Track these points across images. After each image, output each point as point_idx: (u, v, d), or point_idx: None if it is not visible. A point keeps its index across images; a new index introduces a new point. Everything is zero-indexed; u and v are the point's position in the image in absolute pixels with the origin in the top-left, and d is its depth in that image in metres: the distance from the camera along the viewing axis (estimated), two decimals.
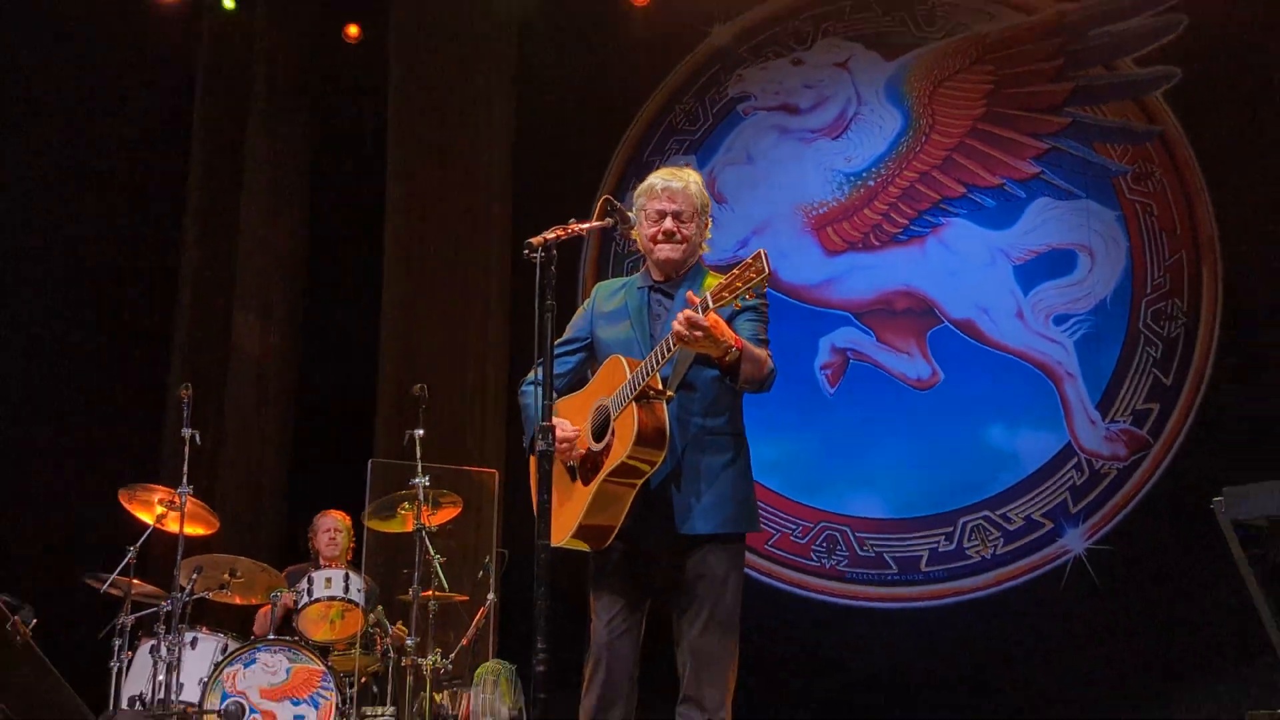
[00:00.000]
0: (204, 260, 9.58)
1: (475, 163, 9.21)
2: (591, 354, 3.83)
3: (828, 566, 8.27)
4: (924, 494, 8.16)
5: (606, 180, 9.15)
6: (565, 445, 3.50)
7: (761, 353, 3.48)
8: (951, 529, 8.07)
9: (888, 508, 8.23)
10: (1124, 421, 7.93)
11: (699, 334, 3.17)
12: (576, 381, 3.85)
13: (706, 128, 9.11)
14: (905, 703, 7.80)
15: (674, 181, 3.69)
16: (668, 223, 3.64)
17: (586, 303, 3.92)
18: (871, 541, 8.20)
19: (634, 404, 3.35)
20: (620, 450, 3.36)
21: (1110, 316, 8.09)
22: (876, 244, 8.57)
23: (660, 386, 3.39)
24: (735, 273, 3.21)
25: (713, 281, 3.47)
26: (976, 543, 8.04)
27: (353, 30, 9.77)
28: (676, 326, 3.20)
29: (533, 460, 3.59)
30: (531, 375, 3.65)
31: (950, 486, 8.12)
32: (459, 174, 9.18)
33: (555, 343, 3.56)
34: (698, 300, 3.20)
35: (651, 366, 3.34)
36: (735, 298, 3.19)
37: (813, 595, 8.22)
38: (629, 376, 3.40)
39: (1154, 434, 7.86)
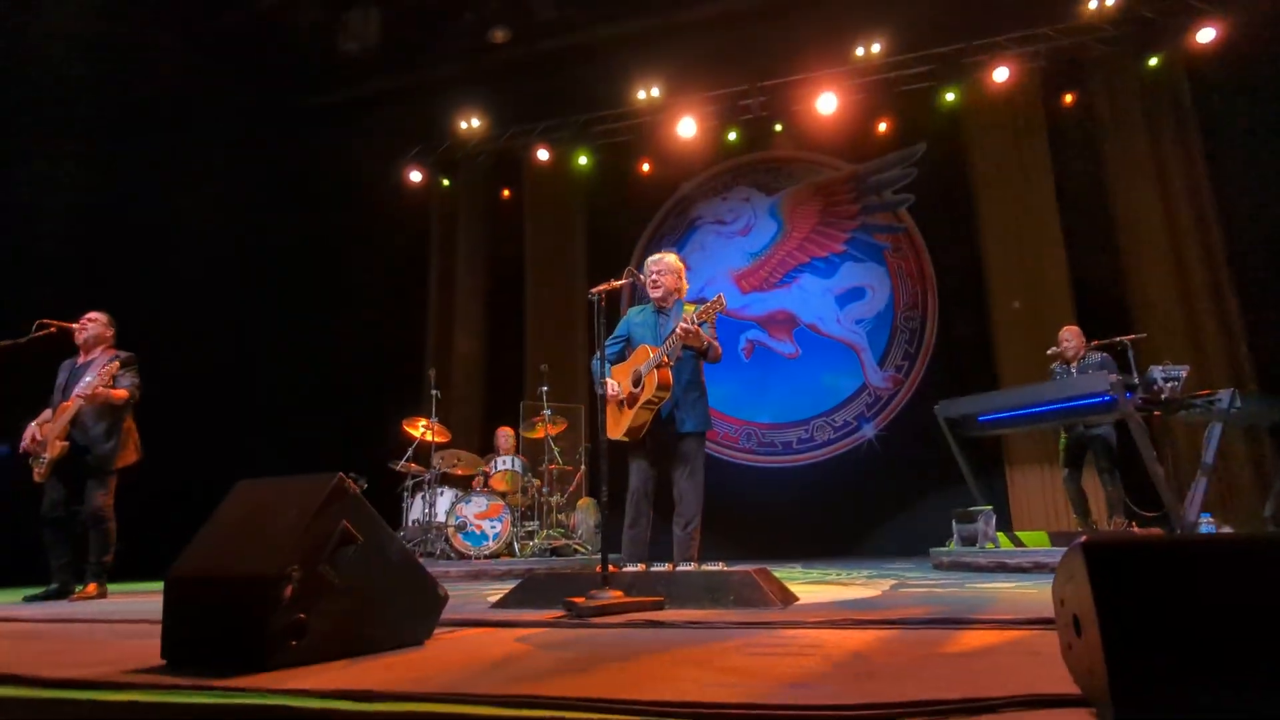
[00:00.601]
0: (440, 307, 9.72)
1: (572, 260, 9.41)
2: (628, 344, 3.87)
3: (745, 447, 8.64)
4: (792, 409, 8.49)
5: (635, 257, 9.29)
6: (615, 395, 3.67)
7: (715, 345, 3.68)
8: (807, 427, 8.43)
9: (773, 417, 8.56)
10: (890, 370, 8.27)
11: (691, 335, 3.45)
12: (617, 357, 3.87)
13: (680, 232, 9.29)
14: (782, 519, 7.93)
15: (658, 260, 3.86)
16: (655, 279, 3.80)
17: (625, 319, 3.95)
18: (766, 434, 8.56)
19: (655, 370, 3.54)
20: (648, 392, 3.53)
21: (883, 319, 8.41)
22: (766, 288, 8.86)
23: (666, 360, 3.55)
24: (709, 304, 3.41)
25: (689, 307, 3.72)
26: (818, 434, 8.40)
27: (505, 193, 9.94)
28: (680, 329, 3.44)
29: (609, 403, 3.74)
30: (597, 355, 3.67)
31: (805, 406, 8.45)
32: (561, 266, 9.44)
33: (607, 339, 3.77)
34: (691, 319, 3.42)
35: (665, 350, 3.53)
36: (707, 317, 3.44)
37: (738, 462, 8.51)
38: (651, 356, 3.57)
39: (905, 375, 8.19)
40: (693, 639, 2.05)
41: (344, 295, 9.52)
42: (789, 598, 3.00)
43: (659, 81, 8.89)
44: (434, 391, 6.84)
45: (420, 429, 6.70)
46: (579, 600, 2.68)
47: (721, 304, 3.42)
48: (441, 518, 6.43)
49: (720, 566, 3.10)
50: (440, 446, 6.82)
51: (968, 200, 8.04)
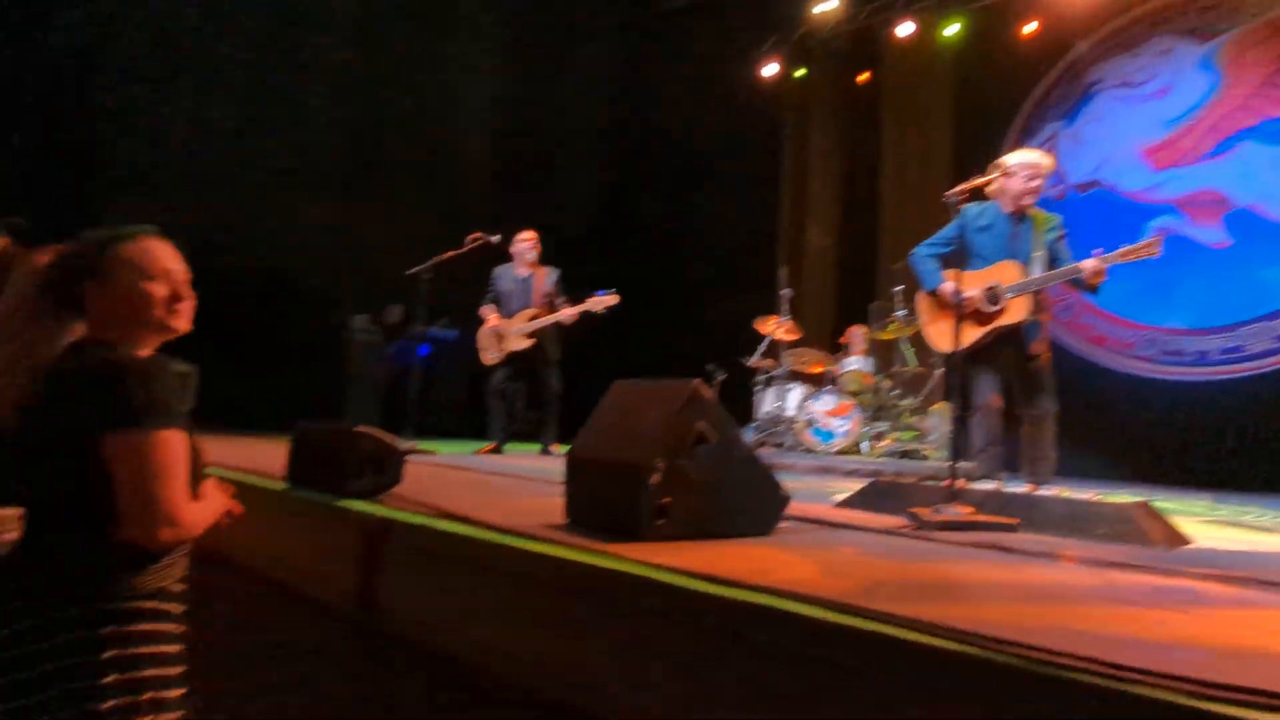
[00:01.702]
0: (792, 205, 9.72)
1: (934, 147, 8.56)
2: (962, 247, 3.45)
3: (1144, 355, 7.33)
4: (1215, 313, 6.95)
5: (1010, 138, 8.20)
6: (965, 299, 3.31)
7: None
8: (1235, 334, 6.85)
9: (1186, 322, 7.11)
10: None
11: (1100, 279, 3.18)
12: (943, 262, 3.61)
13: (1071, 103, 7.92)
14: (1187, 442, 6.71)
15: (1034, 163, 3.46)
16: (1033, 183, 3.42)
17: (957, 219, 3.43)
18: (1174, 341, 7.18)
19: (1029, 295, 3.32)
20: (1012, 317, 3.33)
21: None
22: (1188, 162, 7.18)
23: (1041, 290, 3.33)
24: (1137, 246, 3.15)
25: (1041, 216, 3.35)
26: (1251, 343, 6.80)
27: (862, 77, 9.30)
28: (1093, 267, 3.16)
29: (925, 298, 3.62)
30: (921, 250, 3.60)
31: (1234, 308, 6.86)
32: (921, 154, 8.67)
33: (932, 238, 3.67)
34: (1106, 258, 3.14)
35: (1045, 280, 3.29)
36: (1129, 259, 3.13)
37: (1134, 373, 7.32)
38: (1021, 277, 3.31)
39: None
40: (1046, 573, 1.93)
41: (700, 196, 10.05)
42: (1176, 540, 2.61)
43: None
44: (785, 290, 7.00)
45: (772, 326, 6.92)
46: (924, 512, 2.67)
47: (1155, 252, 3.13)
48: (791, 413, 6.69)
49: (1092, 495, 2.80)
50: (791, 344, 7.04)
51: None
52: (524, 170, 9.58)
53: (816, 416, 6.54)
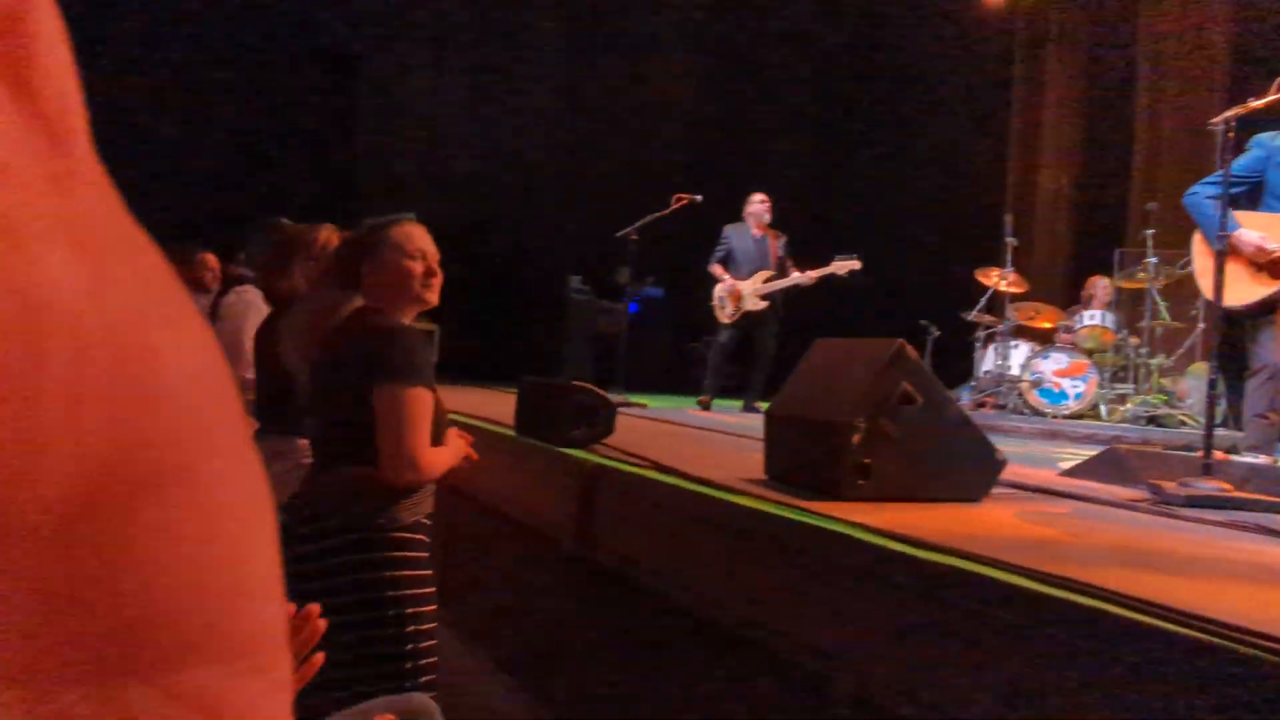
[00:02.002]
0: (1021, 144, 8.85)
1: (1206, 59, 7.30)
2: (1261, 186, 3.04)
3: None
4: None
5: None
6: (1264, 250, 2.93)
7: None
8: None
9: None
10: None
11: None
12: (1243, 200, 3.07)
13: None
14: None
15: None
16: None
17: (1253, 149, 3.05)
18: None
19: None
20: None
21: None
22: None
23: None
24: None
25: None
26: None
27: None
28: None
29: (1203, 244, 3.07)
30: (1201, 190, 3.06)
31: None
32: (1189, 69, 7.39)
33: (1225, 171, 2.87)
34: None
35: None
36: None
37: None
38: None
39: None
40: None
41: (917, 138, 9.39)
42: None
43: None
44: (1010, 239, 6.44)
45: (994, 279, 6.41)
46: (1168, 484, 2.40)
47: None
48: (1016, 372, 6.19)
49: None
50: (1016, 298, 6.47)
51: None
52: (733, 122, 9.57)
53: (1045, 376, 6.01)
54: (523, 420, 2.90)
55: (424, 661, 1.64)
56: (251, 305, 2.98)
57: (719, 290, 5.65)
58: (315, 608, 1.06)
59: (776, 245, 5.61)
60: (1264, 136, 3.09)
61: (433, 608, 1.68)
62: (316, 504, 1.67)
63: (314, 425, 1.84)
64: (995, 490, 2.28)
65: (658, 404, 5.49)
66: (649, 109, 9.18)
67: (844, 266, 5.40)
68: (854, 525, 1.72)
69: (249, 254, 3.17)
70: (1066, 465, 3.24)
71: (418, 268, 1.73)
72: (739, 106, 9.76)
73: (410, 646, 1.62)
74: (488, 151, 8.35)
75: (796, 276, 5.45)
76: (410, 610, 1.63)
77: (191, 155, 7.26)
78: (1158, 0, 7.72)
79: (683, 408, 5.68)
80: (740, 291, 5.50)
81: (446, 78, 8.44)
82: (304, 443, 2.43)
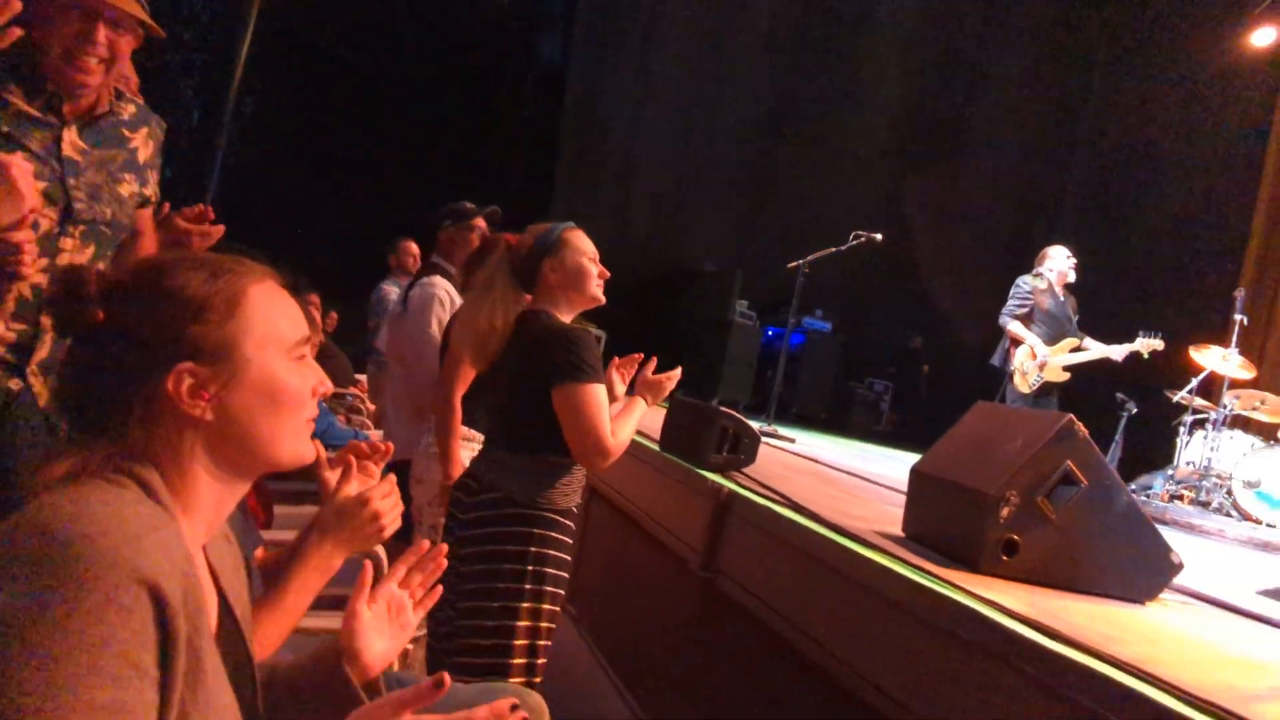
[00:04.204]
0: (1271, 214, 7.82)
1: None
2: None
3: None
4: None
5: None
6: None
7: None
8: None
9: None
10: None
11: None
12: None
13: None
14: None
15: None
16: None
17: None
18: None
19: None
20: None
21: None
22: None
23: None
24: None
25: None
26: None
27: None
28: None
29: None
30: None
31: None
32: None
33: None
34: None
35: None
36: None
37: None
38: None
39: None
40: None
41: (1144, 193, 8.63)
42: None
43: None
44: (1239, 316, 5.73)
45: (1214, 358, 5.74)
46: None
47: None
48: (1227, 467, 5.51)
49: None
50: (1238, 384, 5.75)
51: None
52: (937, 164, 9.29)
53: (1265, 477, 5.27)
54: (668, 437, 2.98)
55: (540, 642, 1.82)
56: (433, 298, 3.06)
57: (1023, 354, 5.11)
58: (443, 547, 1.22)
59: (1074, 309, 5.22)
60: None
61: (564, 592, 1.87)
62: (489, 481, 1.88)
63: (491, 415, 2.11)
64: (1167, 596, 2.08)
65: (809, 439, 5.41)
66: (850, 141, 9.08)
67: (1149, 346, 4.97)
68: (987, 603, 1.65)
69: (440, 241, 3.32)
70: (1272, 583, 2.87)
71: (594, 268, 1.93)
72: (948, 142, 9.43)
73: (535, 622, 1.82)
74: (680, 170, 8.66)
75: (1107, 349, 4.97)
76: (549, 588, 1.83)
77: (412, 162, 8.13)
78: None
79: (834, 447, 5.55)
80: (1048, 359, 5.01)
81: (649, 97, 8.83)
82: (475, 435, 2.67)
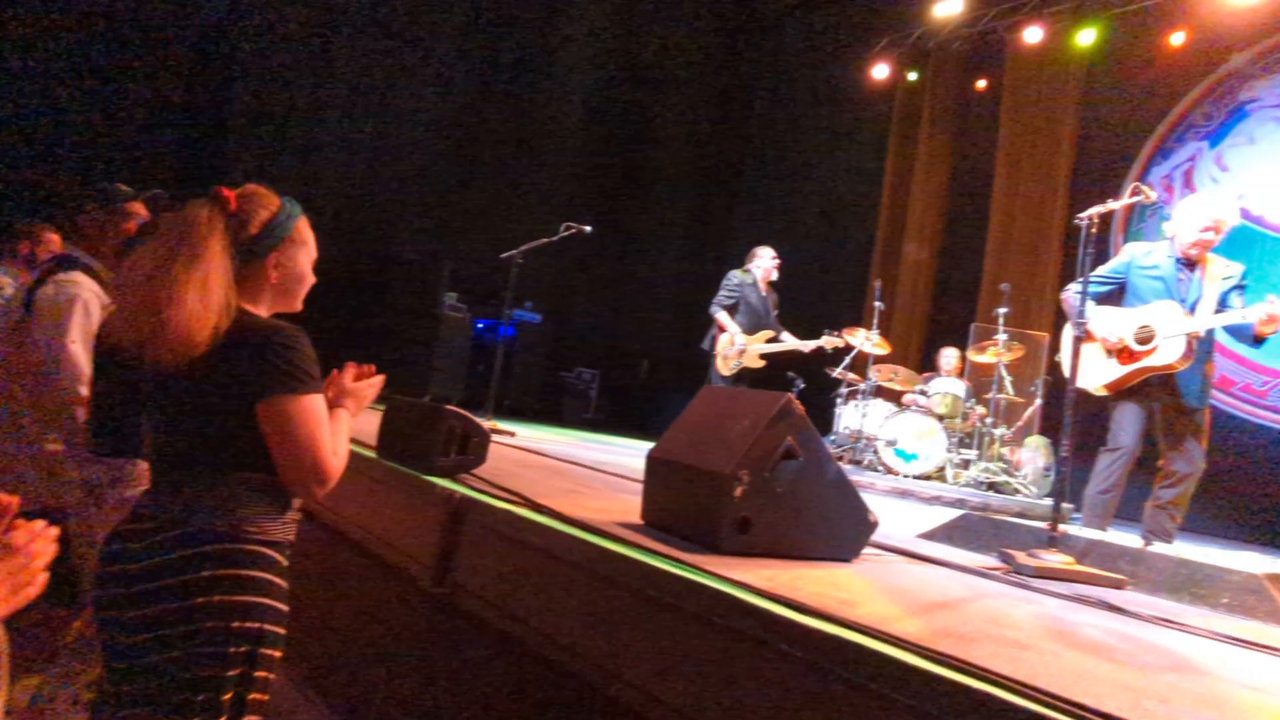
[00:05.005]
0: (890, 215, 9.39)
1: (1054, 162, 8.15)
2: (1120, 289, 3.38)
3: (1274, 404, 6.79)
4: None
5: (1136, 167, 7.73)
6: (1109, 344, 3.23)
7: None
8: None
9: None
10: None
11: (1272, 328, 2.92)
12: (1101, 298, 3.40)
13: (1219, 121, 7.40)
14: None
15: (1214, 210, 3.23)
16: (1210, 239, 3.20)
17: (1123, 257, 3.40)
18: None
19: (1185, 340, 3.10)
20: (1165, 359, 3.12)
21: None
22: None
23: (1200, 333, 3.11)
24: None
25: (1218, 263, 3.12)
26: None
27: (980, 85, 8.98)
28: (1263, 313, 2.90)
29: (1074, 337, 3.40)
30: (1075, 287, 3.31)
31: None
32: (1040, 170, 8.26)
33: (1095, 273, 3.32)
34: (1277, 307, 2.89)
35: (1211, 321, 3.07)
36: None
37: (1260, 421, 6.79)
38: (1185, 322, 3.10)
39: None
40: (1163, 643, 1.79)
41: (796, 199, 9.91)
42: None
43: None
44: (877, 303, 6.79)
45: (860, 338, 6.73)
46: (1018, 554, 2.53)
47: None
48: (873, 430, 6.50)
49: (1215, 560, 2.60)
50: (879, 359, 6.82)
51: None
52: (620, 167, 9.71)
53: (899, 436, 6.32)
54: (387, 442, 2.67)
55: (252, 696, 1.40)
56: (77, 299, 2.43)
57: (724, 341, 5.58)
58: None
59: (773, 303, 5.74)
60: (1134, 247, 3.46)
61: (279, 653, 1.45)
62: (171, 513, 1.40)
63: (164, 433, 1.53)
64: (864, 552, 2.31)
65: (528, 432, 5.32)
66: (544, 131, 9.11)
67: (831, 342, 5.68)
68: (735, 584, 1.67)
69: (81, 228, 2.61)
70: (920, 526, 3.39)
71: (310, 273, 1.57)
72: (628, 154, 9.94)
73: (245, 680, 1.38)
74: (369, 154, 7.97)
75: (798, 343, 5.56)
76: (266, 651, 1.39)
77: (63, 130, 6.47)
78: (1015, 104, 8.55)
79: (551, 438, 5.54)
80: (745, 348, 5.51)
81: (328, 78, 8.00)
82: (145, 466, 2.11)
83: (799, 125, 10.34)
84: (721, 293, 5.59)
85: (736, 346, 5.36)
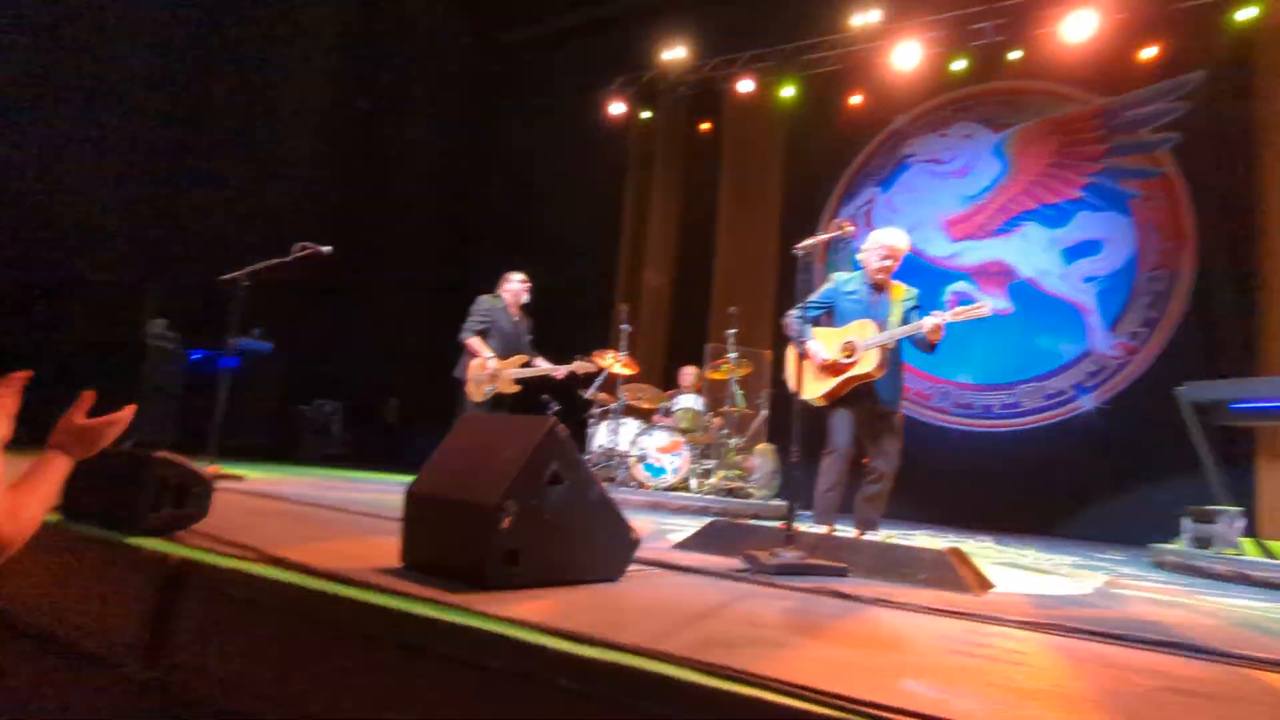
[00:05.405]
0: (632, 243, 9.81)
1: (768, 199, 9.11)
2: (829, 312, 3.79)
3: (939, 407, 8.16)
4: (998, 371, 7.89)
5: (831, 204, 9.00)
6: (820, 359, 3.60)
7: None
8: (1013, 392, 7.81)
9: (975, 378, 8.00)
10: (1123, 337, 7.42)
11: (935, 333, 3.38)
12: (814, 321, 3.80)
13: (889, 171, 8.78)
14: (975, 487, 7.52)
15: (892, 240, 3.72)
16: (887, 262, 3.69)
17: (829, 285, 3.83)
18: (965, 396, 8.04)
19: (880, 351, 3.52)
20: (864, 368, 3.52)
21: (1120, 278, 7.49)
22: (981, 235, 8.17)
23: (890, 345, 3.57)
24: (969, 308, 3.36)
25: (901, 289, 3.63)
26: (1026, 400, 7.76)
27: (704, 126, 9.78)
28: (931, 323, 3.36)
29: (794, 351, 3.67)
30: (796, 312, 3.65)
31: (1014, 368, 7.82)
32: (757, 205, 9.15)
33: (810, 301, 3.75)
34: (941, 316, 3.37)
35: (893, 335, 3.51)
36: (960, 318, 3.36)
37: (930, 421, 8.10)
38: (874, 334, 3.54)
39: (1141, 344, 7.32)
40: (883, 619, 2.02)
41: (542, 227, 10.03)
42: (985, 584, 2.86)
43: (878, 4, 8.27)
44: (624, 326, 7.06)
45: (609, 360, 6.94)
46: (761, 554, 2.73)
47: (985, 312, 3.32)
48: (625, 447, 6.72)
49: (913, 541, 3.01)
50: (628, 380, 7.09)
51: (1251, 145, 6.85)
52: (362, 190, 9.14)
53: (648, 452, 6.59)
54: (76, 501, 2.19)
55: None
56: None
57: (476, 366, 5.33)
58: None
59: (527, 329, 5.64)
60: (839, 275, 3.90)
61: None
62: None
63: None
64: (630, 568, 2.35)
65: (259, 475, 4.75)
66: (268, 152, 8.28)
67: (584, 367, 5.64)
68: (506, 621, 1.59)
69: None
70: (675, 535, 3.55)
71: None
72: (370, 177, 9.41)
73: None
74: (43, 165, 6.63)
75: (551, 368, 5.44)
76: None
77: None
78: (734, 146, 9.46)
79: (290, 479, 5.00)
80: (498, 373, 5.30)
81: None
82: None
83: (544, 154, 10.50)
84: (471, 318, 5.45)
85: (489, 371, 5.24)
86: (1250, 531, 5.01)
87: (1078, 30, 7.46)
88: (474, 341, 5.35)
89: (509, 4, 9.98)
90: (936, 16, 8.19)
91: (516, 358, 5.42)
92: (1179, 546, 4.79)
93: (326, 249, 4.46)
